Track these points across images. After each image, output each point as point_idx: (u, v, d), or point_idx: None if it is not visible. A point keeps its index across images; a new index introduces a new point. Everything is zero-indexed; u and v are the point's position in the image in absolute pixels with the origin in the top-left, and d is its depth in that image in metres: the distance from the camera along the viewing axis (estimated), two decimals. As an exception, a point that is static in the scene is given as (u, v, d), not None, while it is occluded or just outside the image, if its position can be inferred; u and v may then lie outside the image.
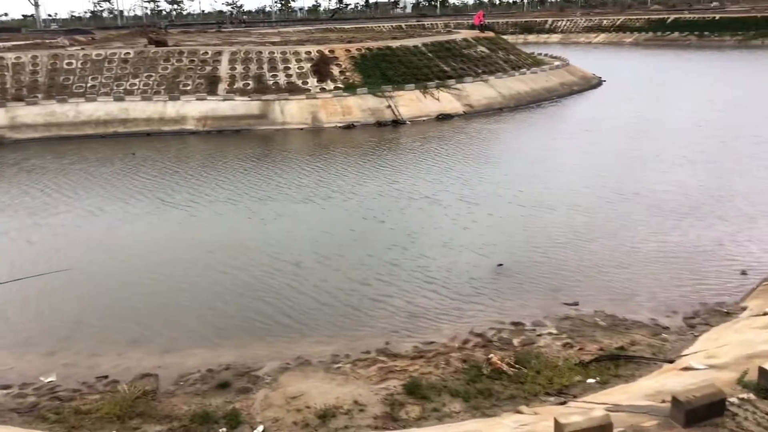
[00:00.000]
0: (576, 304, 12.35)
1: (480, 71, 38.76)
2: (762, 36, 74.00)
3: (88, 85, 33.84)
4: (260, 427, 8.66)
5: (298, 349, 10.97)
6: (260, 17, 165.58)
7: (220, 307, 12.66)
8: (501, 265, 14.16)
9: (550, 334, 11.32)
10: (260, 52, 36.24)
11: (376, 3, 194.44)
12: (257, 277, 14.01)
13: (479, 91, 36.26)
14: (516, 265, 14.19)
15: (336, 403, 9.17)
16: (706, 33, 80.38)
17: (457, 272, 13.88)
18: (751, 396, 7.44)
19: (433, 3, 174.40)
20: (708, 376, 8.64)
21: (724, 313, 11.74)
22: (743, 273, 13.47)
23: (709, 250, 14.60)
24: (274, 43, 40.14)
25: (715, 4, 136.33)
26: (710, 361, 9.41)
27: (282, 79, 34.53)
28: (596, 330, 11.34)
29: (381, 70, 35.95)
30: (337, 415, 8.89)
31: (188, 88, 33.69)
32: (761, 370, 7.57)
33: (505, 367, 9.81)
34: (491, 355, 10.21)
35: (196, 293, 13.33)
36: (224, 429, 8.68)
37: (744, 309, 11.71)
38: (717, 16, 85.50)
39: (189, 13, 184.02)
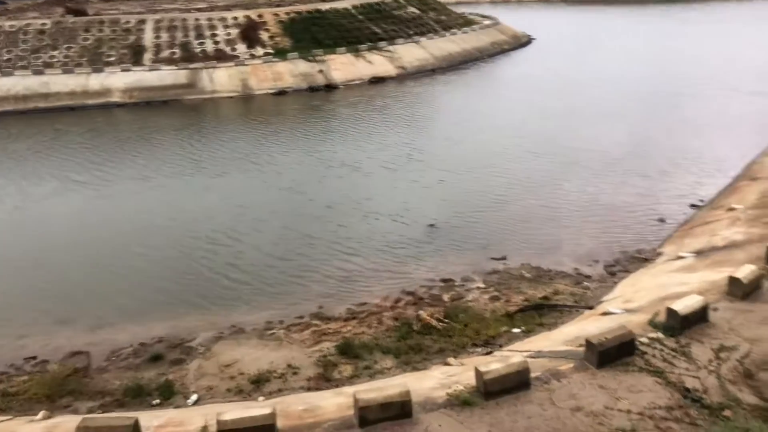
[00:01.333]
0: (503, 258, 12.72)
1: (411, 33, 38.59)
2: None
3: (3, 58, 32.27)
4: (194, 396, 8.73)
5: (231, 318, 11.01)
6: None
7: (149, 283, 12.50)
8: (432, 225, 14.40)
9: (478, 288, 11.67)
10: (185, 20, 35.18)
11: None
12: (178, 255, 13.67)
13: (411, 53, 36.17)
14: (447, 225, 14.45)
15: (270, 368, 9.30)
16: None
17: (388, 235, 14.05)
18: (660, 335, 7.90)
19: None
20: (623, 319, 9.11)
21: (642, 260, 12.32)
22: (661, 221, 14.08)
23: (629, 201, 15.19)
24: (200, 10, 38.99)
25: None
26: (627, 305, 9.91)
27: (210, 46, 33.65)
28: (522, 282, 11.75)
29: (312, 34, 35.42)
30: (271, 380, 9.02)
31: (112, 59, 32.50)
32: (669, 310, 8.03)
33: (434, 322, 10.10)
34: (421, 312, 10.49)
35: (118, 272, 13.03)
36: (158, 400, 8.71)
37: (660, 254, 12.32)
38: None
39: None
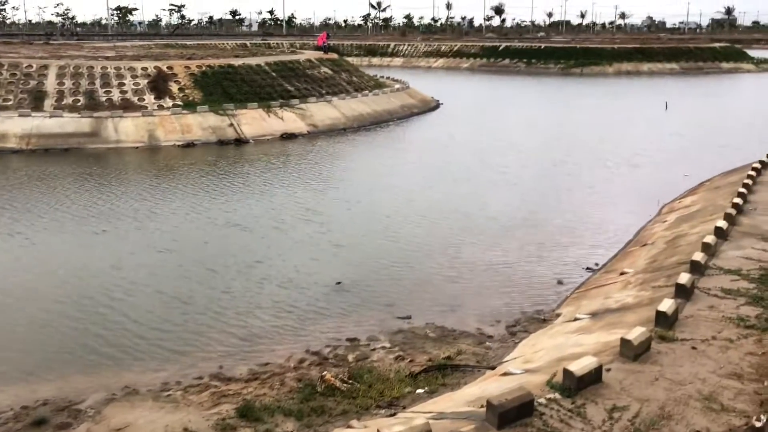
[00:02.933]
0: (409, 317, 12.81)
1: (324, 92, 39.26)
2: (581, 65, 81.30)
3: None
4: (79, 465, 8.16)
5: (125, 379, 10.45)
6: (96, 30, 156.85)
7: (33, 341, 11.73)
8: (339, 283, 14.36)
9: (383, 348, 11.65)
10: (92, 67, 34.35)
11: (220, 20, 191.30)
12: (58, 315, 12.85)
13: (323, 112, 36.69)
14: (354, 282, 14.45)
15: (164, 433, 8.85)
16: (533, 60, 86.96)
17: (293, 293, 13.88)
18: (557, 395, 8.11)
19: (279, 23, 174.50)
20: (523, 380, 9.31)
21: (541, 320, 12.70)
22: (559, 282, 14.64)
23: (529, 264, 15.74)
24: (108, 58, 38.22)
25: (541, 34, 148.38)
26: (526, 366, 10.15)
27: (116, 95, 32.91)
28: (427, 342, 11.82)
29: (223, 88, 35.37)
30: (165, 445, 8.58)
31: (9, 103, 31.17)
32: (566, 371, 8.29)
33: (338, 384, 9.95)
34: (325, 373, 10.32)
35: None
36: (38, 470, 8.08)
37: (558, 315, 12.75)
38: (542, 46, 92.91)
39: (13, 23, 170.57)
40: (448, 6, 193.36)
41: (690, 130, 36.72)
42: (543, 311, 13.16)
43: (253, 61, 39.21)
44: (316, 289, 14.08)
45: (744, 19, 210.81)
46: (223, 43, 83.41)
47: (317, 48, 51.89)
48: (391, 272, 15.04)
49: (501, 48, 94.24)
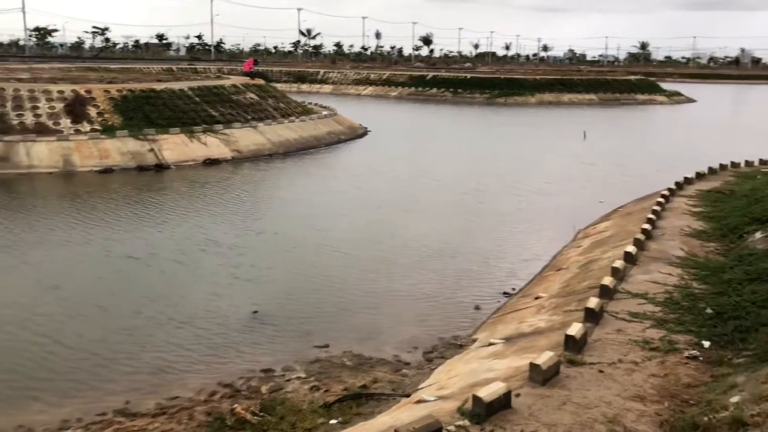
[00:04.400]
0: (326, 346, 12.63)
1: (249, 117, 38.88)
2: (505, 95, 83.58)
3: None
4: None
5: (19, 418, 9.84)
6: (13, 51, 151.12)
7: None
8: (256, 312, 14.07)
9: (299, 378, 11.42)
10: (3, 89, 32.91)
11: (147, 44, 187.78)
12: None
13: (248, 137, 36.29)
14: (271, 311, 14.20)
15: (58, 475, 8.34)
16: (460, 90, 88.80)
17: (207, 325, 13.49)
18: (466, 422, 8.11)
19: (207, 47, 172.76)
20: (436, 407, 9.28)
21: (457, 346, 12.75)
22: (477, 308, 14.77)
23: (448, 290, 15.84)
24: (20, 80, 36.74)
25: (468, 65, 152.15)
26: (440, 393, 10.13)
27: (29, 119, 31.60)
28: (343, 370, 11.67)
29: (144, 113, 34.51)
30: (58, 488, 8.08)
31: None
32: (475, 398, 8.31)
33: (248, 416, 9.67)
34: (236, 405, 10.02)
35: None
36: None
37: (474, 340, 12.83)
38: (468, 76, 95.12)
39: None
40: (378, 35, 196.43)
41: (606, 158, 38.12)
42: (460, 337, 13.23)
43: (176, 85, 38.49)
44: (231, 320, 13.73)
45: (657, 54, 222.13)
46: (149, 68, 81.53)
47: (245, 74, 51.40)
48: (309, 301, 14.85)
49: (429, 77, 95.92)
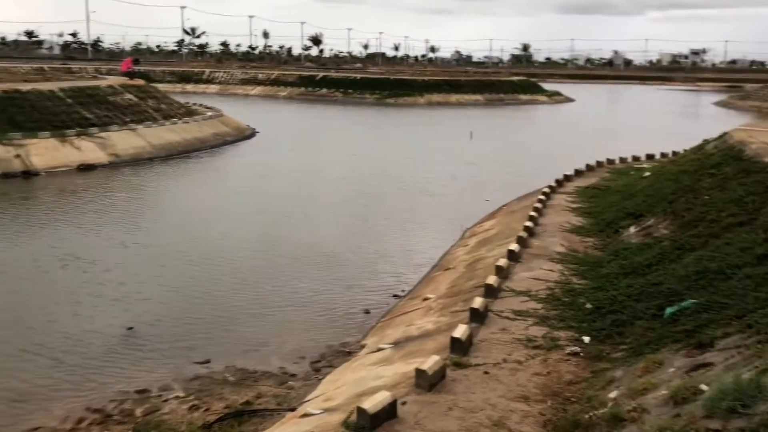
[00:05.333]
0: (207, 361, 11.97)
1: (128, 120, 36.98)
2: (394, 95, 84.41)
3: None
4: None
5: None
6: None
7: None
8: (131, 329, 13.15)
9: (177, 397, 10.72)
10: None
11: (15, 41, 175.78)
12: None
13: (126, 141, 34.47)
14: (148, 328, 13.32)
15: None
16: (350, 90, 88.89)
17: (75, 345, 12.46)
18: (351, 436, 7.82)
19: (83, 46, 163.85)
20: (321, 420, 8.92)
21: (346, 353, 12.44)
22: (366, 312, 14.52)
23: (337, 295, 15.50)
24: None
25: (358, 65, 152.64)
26: (327, 405, 9.77)
27: None
28: (225, 387, 11.07)
29: (9, 116, 32.00)
30: None
31: None
32: (359, 409, 8.01)
33: (118, 445, 8.92)
34: (104, 433, 9.24)
35: None
36: None
37: (363, 346, 12.56)
38: (358, 76, 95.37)
39: None
40: (266, 35, 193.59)
41: (492, 157, 39.14)
42: (349, 343, 12.93)
43: (45, 86, 35.99)
44: (104, 338, 12.76)
45: (539, 56, 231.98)
46: (17, 67, 75.68)
47: (123, 74, 48.90)
48: (190, 315, 14.06)
49: (319, 77, 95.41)
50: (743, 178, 14.27)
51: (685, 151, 24.13)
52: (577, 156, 31.48)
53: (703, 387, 6.90)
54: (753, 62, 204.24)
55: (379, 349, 11.78)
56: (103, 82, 41.47)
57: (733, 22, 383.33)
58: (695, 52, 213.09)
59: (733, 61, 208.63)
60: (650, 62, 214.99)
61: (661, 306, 10.21)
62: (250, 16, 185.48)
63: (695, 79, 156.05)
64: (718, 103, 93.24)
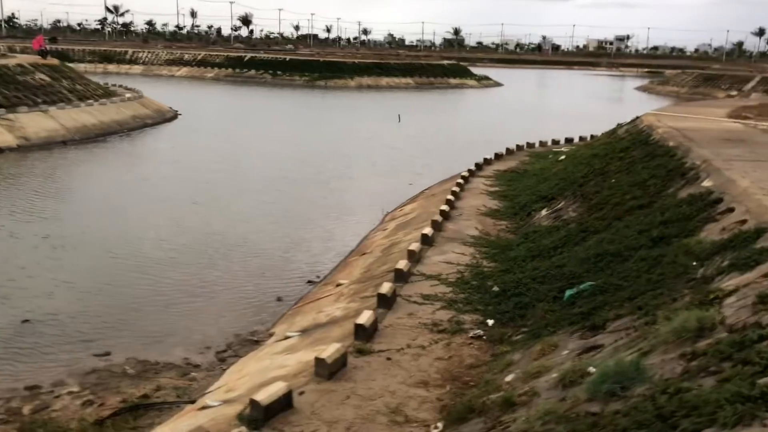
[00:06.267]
0: (107, 354, 11.48)
1: (39, 101, 35.23)
2: (325, 78, 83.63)
3: None
4: None
5: None
6: None
7: None
8: (27, 321, 12.49)
9: (70, 393, 10.22)
10: None
11: None
12: None
13: (37, 123, 32.84)
14: (46, 319, 12.68)
15: None
16: (279, 72, 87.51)
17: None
18: (243, 429, 7.59)
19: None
20: (218, 413, 8.64)
21: (253, 342, 12.16)
22: (279, 299, 14.25)
23: (249, 281, 15.17)
24: None
25: (290, 47, 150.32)
26: (227, 396, 9.50)
27: None
28: (123, 380, 10.64)
29: None
30: None
31: None
32: (252, 401, 7.80)
33: (-1, 446, 8.43)
34: (-16, 435, 8.71)
35: None
36: None
37: (272, 335, 12.31)
38: (288, 58, 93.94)
39: None
40: (193, 14, 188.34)
41: (419, 140, 39.22)
42: (258, 332, 12.65)
43: (-54, 64, 33.88)
44: (-3, 330, 12.07)
45: (470, 40, 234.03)
46: None
47: (36, 53, 46.54)
48: (91, 307, 13.41)
49: (247, 59, 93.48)
50: (648, 162, 14.65)
51: (601, 135, 24.74)
52: (502, 140, 31.86)
53: (591, 369, 6.97)
54: (673, 49, 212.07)
55: (287, 337, 11.56)
56: (12, 60, 39.32)
57: (656, 9, 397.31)
58: (620, 39, 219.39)
59: (655, 48, 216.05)
60: (577, 48, 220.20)
61: (562, 288, 10.36)
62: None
63: (619, 65, 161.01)
64: (640, 88, 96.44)
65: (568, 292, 9.98)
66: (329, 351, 8.91)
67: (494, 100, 76.08)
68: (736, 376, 4.97)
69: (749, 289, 6.95)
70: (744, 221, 8.99)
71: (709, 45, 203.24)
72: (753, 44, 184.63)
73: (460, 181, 21.04)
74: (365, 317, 10.06)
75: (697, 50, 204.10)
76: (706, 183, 11.38)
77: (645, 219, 11.06)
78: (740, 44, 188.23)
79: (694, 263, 8.59)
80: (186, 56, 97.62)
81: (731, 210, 9.68)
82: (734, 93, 73.52)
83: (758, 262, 7.44)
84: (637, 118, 20.83)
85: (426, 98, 74.46)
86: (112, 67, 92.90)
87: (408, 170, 29.50)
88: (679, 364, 5.97)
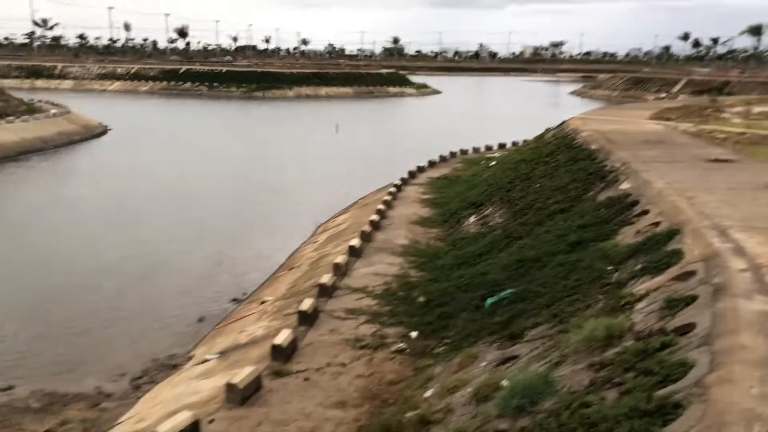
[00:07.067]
0: (10, 388, 10.75)
1: (-44, 119, 33.56)
2: (263, 89, 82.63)
3: None
4: None
5: None
6: None
7: None
8: (-77, 354, 11.63)
9: (-37, 435, 9.51)
10: None
11: None
12: None
13: (-47, 142, 31.25)
14: (-55, 352, 11.83)
15: None
16: (216, 84, 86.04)
17: None
18: (144, 465, 7.13)
19: None
20: (125, 446, 8.16)
21: (171, 367, 11.60)
22: (200, 320, 13.69)
23: (170, 302, 14.55)
24: None
25: (228, 58, 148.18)
26: (137, 427, 8.96)
27: None
28: (26, 415, 9.96)
29: None
30: None
31: None
32: (153, 433, 7.35)
33: None
34: None
35: None
36: None
37: (190, 358, 11.78)
38: (224, 69, 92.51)
39: None
40: (127, 27, 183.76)
41: (356, 150, 38.95)
42: (177, 355, 12.09)
43: None
44: None
45: (410, 48, 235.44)
46: None
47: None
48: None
49: (182, 71, 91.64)
50: (571, 166, 14.72)
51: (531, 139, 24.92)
52: (439, 146, 31.74)
53: (504, 383, 6.77)
54: (606, 54, 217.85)
55: (204, 361, 11.07)
56: (-75, 77, 37.36)
57: (588, 16, 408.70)
58: (555, 45, 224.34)
59: (588, 53, 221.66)
60: (514, 54, 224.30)
61: (484, 297, 10.18)
62: (110, 8, 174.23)
63: (555, 70, 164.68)
64: (574, 93, 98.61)
65: (489, 301, 9.81)
66: (241, 375, 8.49)
67: (432, 107, 76.55)
68: (637, 388, 4.81)
69: (659, 293, 6.88)
70: (657, 223, 8.99)
71: (639, 50, 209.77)
72: (680, 48, 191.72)
73: (393, 190, 20.85)
74: (282, 337, 9.67)
75: (628, 55, 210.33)
76: (624, 185, 11.42)
77: (564, 224, 11.02)
78: (668, 48, 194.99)
79: (609, 267, 8.53)
80: (119, 70, 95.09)
81: (646, 212, 9.69)
82: (663, 95, 75.83)
83: (668, 265, 7.39)
84: (564, 122, 21.03)
85: (365, 107, 74.34)
86: (40, 83, 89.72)
87: (344, 180, 29.17)
88: (587, 375, 5.81)
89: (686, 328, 5.52)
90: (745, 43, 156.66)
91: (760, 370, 4.34)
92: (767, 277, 6.20)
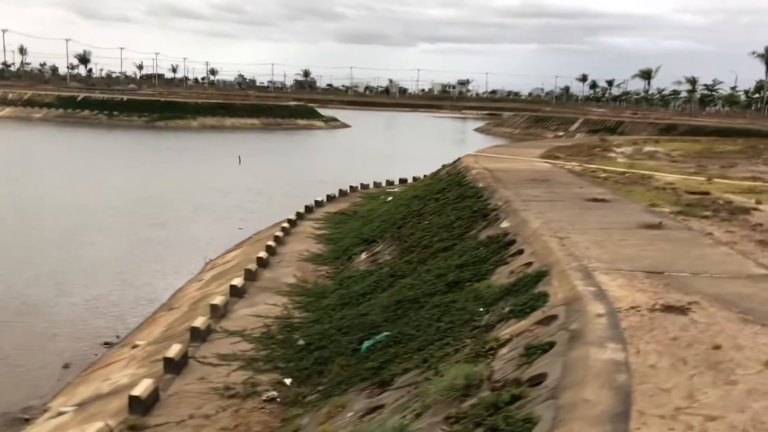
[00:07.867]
0: None
1: None
2: (165, 118, 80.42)
3: None
4: None
5: None
6: None
7: None
8: None
9: None
10: None
11: None
12: None
13: None
14: None
15: None
16: (116, 113, 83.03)
17: None
18: None
19: None
20: None
21: (24, 421, 10.56)
22: (65, 366, 12.65)
23: (35, 347, 13.41)
24: None
25: (132, 86, 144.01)
26: (-33, 495, 8.02)
27: None
28: None
29: None
30: None
31: None
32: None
33: None
34: None
35: None
36: None
37: (46, 410, 10.78)
38: (125, 98, 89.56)
39: None
40: (22, 50, 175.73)
41: (258, 182, 38.20)
42: (32, 408, 11.02)
43: None
44: None
45: (321, 82, 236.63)
46: None
47: None
48: None
49: (80, 98, 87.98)
50: (458, 203, 14.75)
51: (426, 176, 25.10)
52: (342, 181, 31.45)
53: (364, 437, 6.41)
54: (510, 92, 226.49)
55: (60, 414, 10.13)
56: None
57: (494, 56, 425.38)
58: (462, 83, 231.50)
59: (494, 92, 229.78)
60: (422, 91, 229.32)
61: (362, 339, 9.84)
62: (3, 30, 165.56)
63: (461, 107, 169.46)
64: (478, 129, 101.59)
65: (365, 344, 9.47)
66: (88, 432, 7.75)
67: (340, 141, 76.77)
68: (481, 446, 4.55)
69: (522, 338, 6.74)
70: (530, 263, 8.96)
71: (542, 89, 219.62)
72: (579, 89, 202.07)
73: (286, 225, 20.35)
74: (142, 387, 8.96)
75: (530, 94, 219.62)
76: (504, 224, 11.46)
77: (444, 263, 10.89)
78: (567, 89, 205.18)
79: (481, 309, 8.38)
80: (10, 95, 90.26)
81: (521, 252, 9.68)
82: (561, 133, 79.26)
83: (533, 309, 7.30)
84: (458, 159, 21.28)
85: (271, 139, 73.62)
86: None
87: (241, 214, 28.42)
88: (442, 430, 5.54)
89: (539, 378, 5.35)
90: (638, 85, 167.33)
91: (598, 428, 4.17)
92: (623, 322, 6.16)
